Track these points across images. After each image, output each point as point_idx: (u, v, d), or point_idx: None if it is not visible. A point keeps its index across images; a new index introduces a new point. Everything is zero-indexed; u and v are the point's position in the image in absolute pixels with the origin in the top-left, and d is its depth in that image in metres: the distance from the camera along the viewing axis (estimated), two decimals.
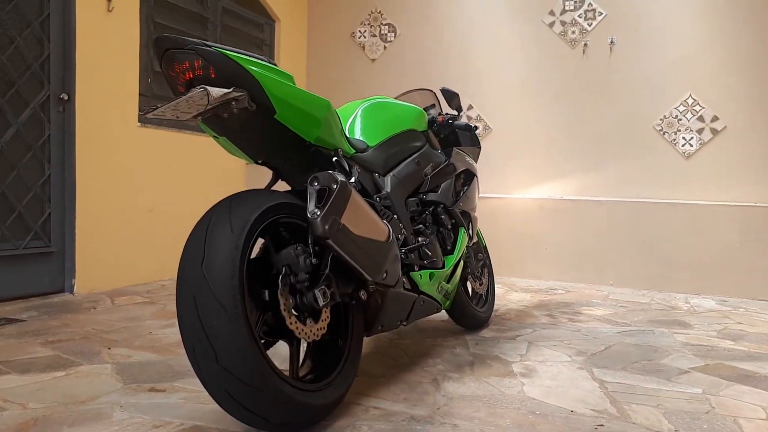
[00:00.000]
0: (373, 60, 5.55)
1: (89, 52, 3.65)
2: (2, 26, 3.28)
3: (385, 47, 5.51)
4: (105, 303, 3.44)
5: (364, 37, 5.58)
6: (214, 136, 1.77)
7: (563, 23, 4.89)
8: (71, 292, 3.62)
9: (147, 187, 4.11)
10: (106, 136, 3.79)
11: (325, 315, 1.73)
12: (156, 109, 1.50)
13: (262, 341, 1.58)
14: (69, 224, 3.63)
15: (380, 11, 5.53)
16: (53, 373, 2.16)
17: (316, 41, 5.84)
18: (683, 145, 4.55)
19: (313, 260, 1.65)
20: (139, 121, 4.04)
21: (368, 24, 5.57)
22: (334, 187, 1.58)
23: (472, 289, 3.01)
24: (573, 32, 4.85)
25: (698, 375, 2.33)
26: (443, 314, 3.13)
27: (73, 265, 3.62)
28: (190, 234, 1.52)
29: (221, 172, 4.73)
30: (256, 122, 1.67)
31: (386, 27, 5.50)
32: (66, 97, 3.56)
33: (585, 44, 4.80)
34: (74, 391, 1.98)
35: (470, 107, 5.15)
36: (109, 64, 3.79)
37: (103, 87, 3.75)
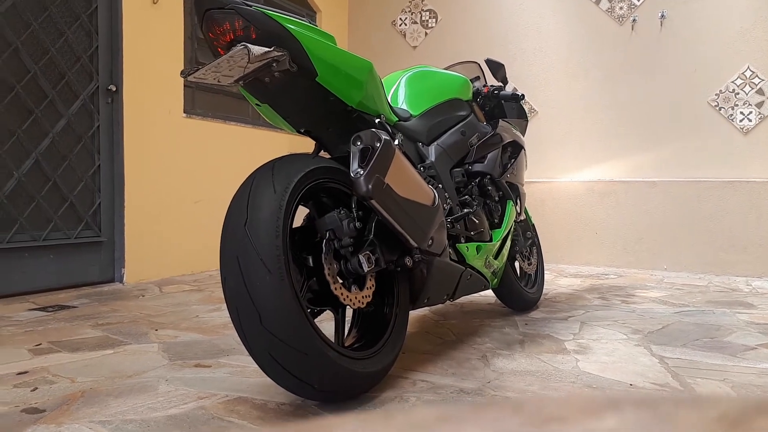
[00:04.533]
0: (415, 47, 5.48)
1: (136, 44, 3.71)
2: (52, 20, 3.36)
3: (426, 33, 5.44)
4: (153, 291, 3.49)
5: (405, 25, 5.52)
6: (257, 104, 1.75)
7: None
8: (121, 281, 3.68)
9: (194, 178, 4.15)
10: (153, 127, 3.85)
11: (371, 283, 1.69)
12: (197, 71, 1.48)
13: (308, 310, 1.55)
14: (118, 214, 3.69)
15: None
16: (102, 351, 2.18)
17: (358, 31, 5.81)
18: (741, 120, 4.33)
19: (357, 224, 1.61)
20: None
21: (409, 11, 5.51)
22: (378, 145, 1.53)
23: (521, 268, 2.91)
24: (621, 8, 4.67)
25: (767, 351, 2.19)
26: (490, 297, 3.05)
27: (123, 255, 3.68)
28: (234, 196, 1.50)
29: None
30: (298, 86, 1.63)
31: (427, 13, 5.43)
32: (114, 89, 3.62)
33: (634, 20, 4.62)
34: (121, 366, 1.99)
35: (514, 90, 5.02)
36: (155, 55, 3.84)
37: (150, 78, 3.80)
